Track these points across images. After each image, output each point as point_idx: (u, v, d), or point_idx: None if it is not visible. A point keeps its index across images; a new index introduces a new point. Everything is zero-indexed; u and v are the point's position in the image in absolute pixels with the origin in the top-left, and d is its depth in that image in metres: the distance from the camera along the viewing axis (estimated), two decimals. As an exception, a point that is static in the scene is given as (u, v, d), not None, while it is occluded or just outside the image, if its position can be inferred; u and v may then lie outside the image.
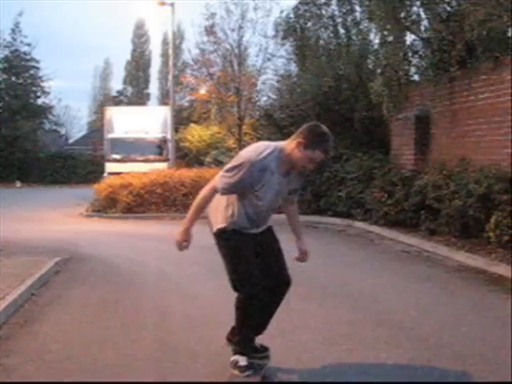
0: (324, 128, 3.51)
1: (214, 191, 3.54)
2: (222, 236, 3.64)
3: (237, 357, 3.67)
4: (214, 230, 3.67)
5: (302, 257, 3.93)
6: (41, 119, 38.93)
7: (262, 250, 3.72)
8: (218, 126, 24.75)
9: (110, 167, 19.89)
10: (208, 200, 3.58)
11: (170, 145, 21.30)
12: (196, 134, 29.05)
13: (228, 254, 3.64)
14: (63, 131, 48.36)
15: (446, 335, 4.76)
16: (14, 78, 37.51)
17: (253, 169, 3.38)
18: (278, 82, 20.27)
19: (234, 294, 3.72)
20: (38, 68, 38.03)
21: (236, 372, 3.63)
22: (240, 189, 3.47)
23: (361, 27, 15.60)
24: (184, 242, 3.62)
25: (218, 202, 3.64)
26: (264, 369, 3.76)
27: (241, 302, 3.62)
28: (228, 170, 3.47)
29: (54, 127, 41.92)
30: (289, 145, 3.49)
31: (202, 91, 22.86)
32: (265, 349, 3.80)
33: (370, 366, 4.02)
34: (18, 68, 37.41)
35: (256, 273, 3.58)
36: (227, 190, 3.49)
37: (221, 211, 3.62)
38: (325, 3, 16.03)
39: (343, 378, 3.76)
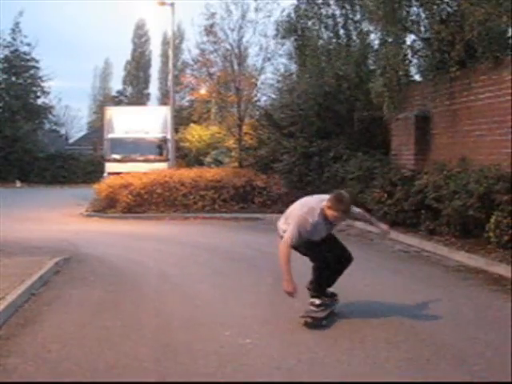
0: (342, 196, 5.07)
1: (288, 246, 4.92)
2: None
3: (314, 299, 5.18)
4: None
5: None
6: (41, 119, 38.85)
7: (324, 240, 5.16)
8: (217, 126, 24.72)
9: (109, 167, 19.85)
10: (289, 253, 4.94)
11: (169, 145, 21.27)
12: (196, 134, 29.02)
13: (302, 244, 5.07)
14: (63, 131, 48.27)
15: (446, 335, 4.76)
16: (14, 78, 37.42)
17: (307, 225, 4.93)
18: (278, 81, 20.27)
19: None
20: (37, 68, 37.95)
21: (313, 308, 5.12)
22: (300, 236, 4.95)
23: (361, 27, 15.61)
24: (294, 291, 4.89)
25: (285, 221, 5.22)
26: (333, 306, 5.30)
27: (315, 267, 5.24)
28: (291, 228, 4.97)
29: (54, 127, 41.84)
30: (325, 206, 4.98)
31: (202, 91, 22.84)
32: (334, 294, 5.39)
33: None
34: (18, 68, 37.34)
35: (322, 250, 5.13)
36: (293, 239, 4.93)
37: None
38: (325, 3, 16.04)
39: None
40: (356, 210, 5.59)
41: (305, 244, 5.10)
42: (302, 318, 5.05)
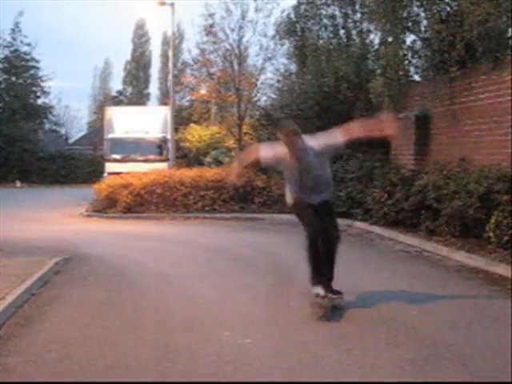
0: (279, 124, 5.69)
1: (257, 146, 5.84)
2: (293, 207, 5.62)
3: (317, 288, 5.27)
4: (289, 205, 5.69)
5: None
6: (41, 119, 38.92)
7: (320, 213, 5.41)
8: (217, 125, 24.77)
9: (109, 167, 19.85)
10: (254, 153, 5.74)
11: (169, 145, 21.29)
12: (196, 134, 29.04)
13: (297, 213, 5.58)
14: (63, 131, 48.34)
15: (446, 335, 4.76)
16: (14, 78, 37.48)
17: (276, 153, 5.44)
18: (277, 81, 20.29)
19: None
20: (38, 68, 38.02)
21: (318, 299, 5.23)
22: (273, 157, 5.50)
23: (361, 27, 15.61)
24: (234, 175, 6.19)
25: (287, 190, 5.66)
26: (338, 300, 5.42)
27: (307, 245, 5.32)
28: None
29: (54, 127, 41.91)
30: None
31: (202, 91, 22.87)
32: (340, 292, 5.45)
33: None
34: (18, 68, 37.39)
35: (315, 223, 5.34)
36: (262, 147, 5.74)
37: (288, 195, 5.65)
38: (325, 3, 16.04)
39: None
40: (338, 138, 5.50)
41: (300, 208, 5.47)
42: (310, 308, 5.19)
